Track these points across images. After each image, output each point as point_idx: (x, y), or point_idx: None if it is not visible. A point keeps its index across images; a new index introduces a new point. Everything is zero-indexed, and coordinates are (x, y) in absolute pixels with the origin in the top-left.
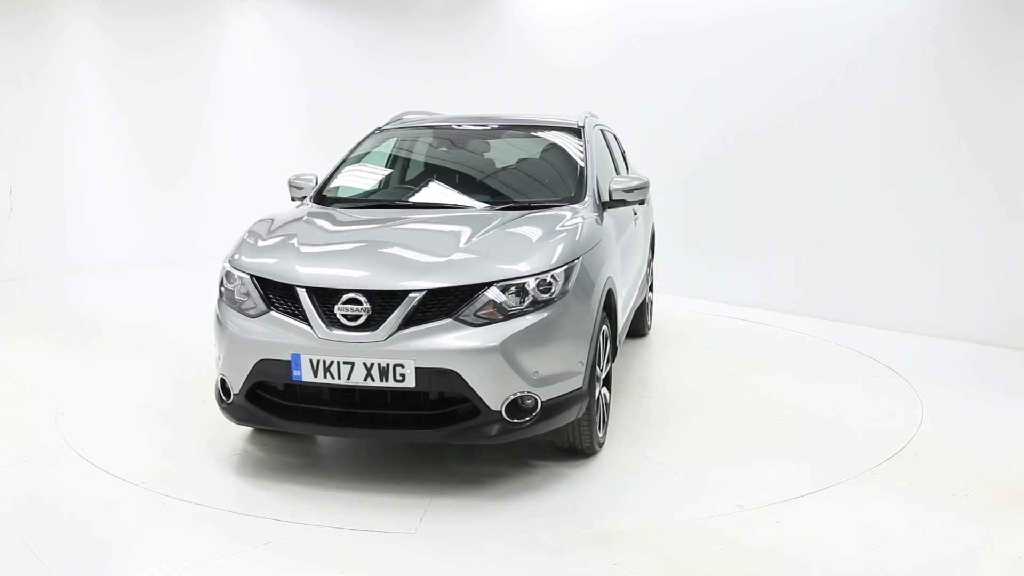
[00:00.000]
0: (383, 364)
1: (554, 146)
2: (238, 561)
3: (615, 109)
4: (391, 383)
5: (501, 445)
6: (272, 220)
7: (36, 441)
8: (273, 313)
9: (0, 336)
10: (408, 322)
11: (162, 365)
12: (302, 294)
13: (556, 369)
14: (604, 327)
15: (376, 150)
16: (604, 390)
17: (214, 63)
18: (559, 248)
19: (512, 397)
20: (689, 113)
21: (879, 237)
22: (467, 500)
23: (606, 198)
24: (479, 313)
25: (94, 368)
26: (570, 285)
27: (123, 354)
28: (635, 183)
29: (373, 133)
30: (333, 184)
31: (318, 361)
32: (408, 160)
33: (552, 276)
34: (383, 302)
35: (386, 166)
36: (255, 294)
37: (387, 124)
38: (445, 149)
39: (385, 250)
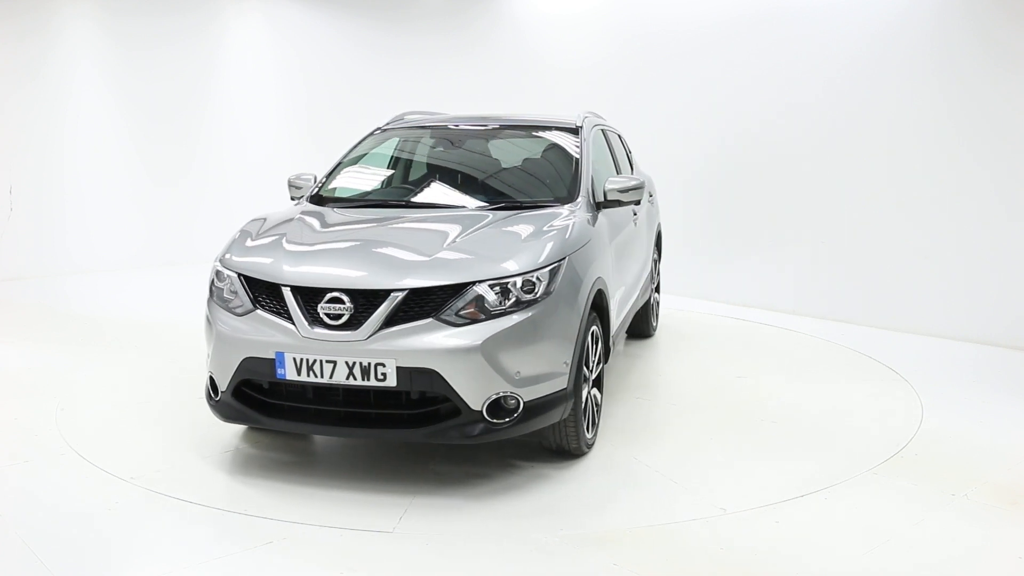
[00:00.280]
0: (365, 363)
1: (550, 146)
2: (237, 561)
3: (615, 109)
4: (373, 382)
5: (488, 445)
6: (265, 220)
7: (36, 441)
8: (259, 311)
9: (0, 336)
10: (390, 321)
11: (162, 365)
12: (286, 293)
13: (539, 369)
14: (594, 327)
15: (373, 150)
16: (595, 391)
17: (214, 63)
18: (544, 248)
19: (493, 397)
20: (689, 113)
21: (879, 237)
22: (448, 499)
23: (602, 198)
24: (461, 313)
25: (94, 368)
26: (555, 285)
27: (123, 354)
28: (630, 183)
29: (372, 133)
30: (329, 184)
31: (301, 360)
32: (404, 160)
33: (536, 276)
34: (365, 301)
35: (382, 166)
36: (242, 293)
37: (387, 124)
38: (442, 149)
39: (370, 250)
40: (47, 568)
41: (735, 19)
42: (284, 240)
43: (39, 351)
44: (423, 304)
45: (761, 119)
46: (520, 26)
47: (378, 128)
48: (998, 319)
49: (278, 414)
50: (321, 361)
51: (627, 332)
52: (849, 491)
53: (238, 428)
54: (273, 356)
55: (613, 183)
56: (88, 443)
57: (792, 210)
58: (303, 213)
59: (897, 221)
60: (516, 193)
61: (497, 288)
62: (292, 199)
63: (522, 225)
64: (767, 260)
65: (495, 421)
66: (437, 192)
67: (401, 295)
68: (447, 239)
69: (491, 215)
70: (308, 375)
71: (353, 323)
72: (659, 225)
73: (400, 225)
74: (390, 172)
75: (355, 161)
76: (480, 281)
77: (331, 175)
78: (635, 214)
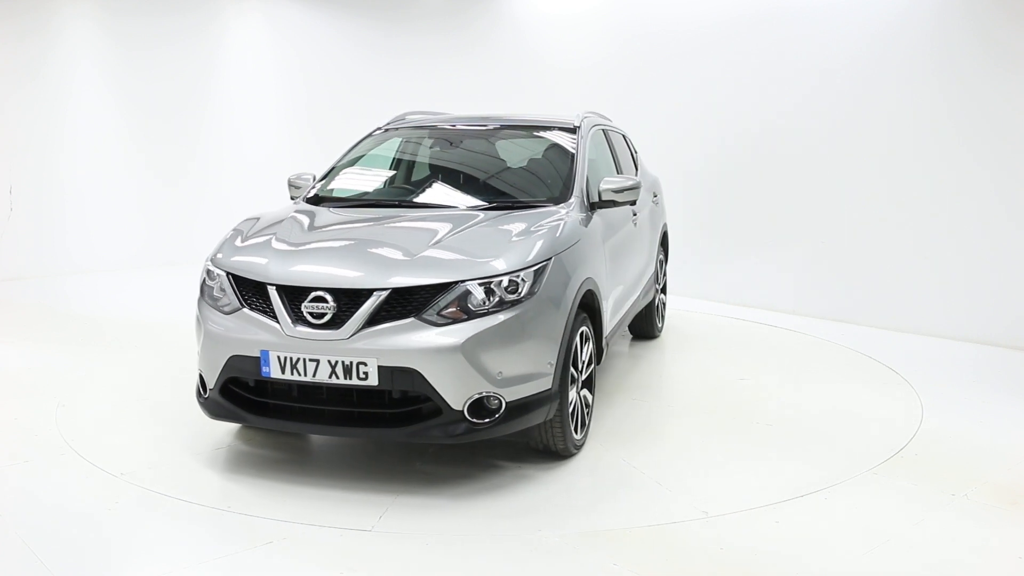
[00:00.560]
0: (347, 362)
1: (547, 146)
2: (237, 561)
3: (615, 109)
4: (355, 381)
5: (476, 444)
6: (258, 219)
7: (36, 441)
8: (245, 310)
9: (0, 336)
10: (373, 321)
11: (161, 364)
12: (272, 292)
13: (522, 370)
14: (584, 328)
15: (370, 151)
16: (585, 392)
17: (214, 63)
18: (529, 249)
19: (475, 397)
20: (689, 113)
21: (879, 237)
22: (430, 499)
23: (597, 198)
24: (443, 312)
25: (94, 368)
26: (540, 286)
27: (123, 354)
28: (625, 184)
29: (370, 134)
30: (325, 184)
31: (285, 358)
32: (400, 161)
33: (520, 277)
34: (349, 301)
35: (378, 167)
36: (230, 291)
37: (388, 124)
38: (438, 150)
39: (355, 249)
40: (47, 568)
41: (735, 19)
42: (273, 240)
43: (39, 351)
44: (406, 304)
45: (761, 119)
46: (520, 26)
47: (377, 128)
48: (998, 319)
49: (264, 412)
50: (304, 360)
51: (632, 333)
52: (849, 491)
53: (233, 426)
54: (258, 354)
55: (608, 183)
56: (88, 443)
57: (792, 210)
58: (295, 213)
59: (897, 221)
60: (510, 193)
61: (480, 288)
62: (292, 199)
63: (510, 225)
64: (767, 260)
65: (477, 421)
66: (431, 192)
67: (383, 294)
68: (432, 239)
69: (482, 215)
70: (292, 373)
71: (336, 322)
72: (664, 226)
73: (389, 225)
74: (386, 172)
75: (351, 161)
76: (462, 281)
77: (327, 175)
78: (635, 214)
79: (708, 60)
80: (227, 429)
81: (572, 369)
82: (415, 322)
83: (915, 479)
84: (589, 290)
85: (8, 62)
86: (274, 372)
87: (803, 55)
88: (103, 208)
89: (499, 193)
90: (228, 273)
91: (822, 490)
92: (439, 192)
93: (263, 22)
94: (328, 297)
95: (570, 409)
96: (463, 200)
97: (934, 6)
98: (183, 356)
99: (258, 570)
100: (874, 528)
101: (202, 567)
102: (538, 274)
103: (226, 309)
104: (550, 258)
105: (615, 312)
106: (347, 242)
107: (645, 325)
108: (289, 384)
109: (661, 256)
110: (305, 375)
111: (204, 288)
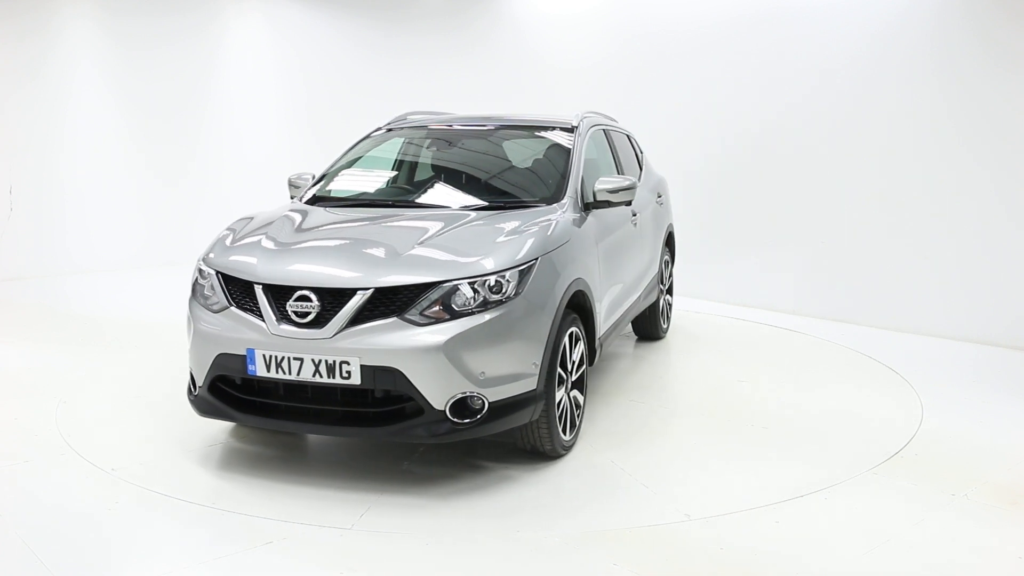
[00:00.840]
0: (330, 361)
1: (543, 146)
2: (237, 561)
3: (615, 109)
4: (338, 380)
5: (464, 445)
6: (252, 219)
7: (36, 441)
8: (232, 309)
9: (0, 336)
10: (356, 320)
11: (161, 364)
12: (258, 290)
13: (506, 370)
14: (574, 329)
15: (368, 151)
16: (576, 393)
17: (214, 63)
18: (514, 249)
19: (458, 396)
20: (689, 113)
21: (879, 237)
22: (412, 498)
23: (592, 199)
24: (425, 312)
25: (94, 367)
26: (524, 286)
27: (123, 354)
28: (620, 184)
29: (368, 135)
30: (321, 184)
31: (270, 356)
32: (398, 161)
33: (504, 277)
34: (333, 300)
35: (375, 167)
36: (219, 290)
37: (389, 123)
38: (435, 150)
39: (341, 249)
40: (47, 568)
41: (735, 19)
42: (263, 239)
43: (39, 351)
44: (389, 303)
45: (761, 119)
46: (520, 26)
47: (377, 129)
48: (998, 319)
49: (250, 410)
50: (289, 358)
51: (636, 334)
52: (849, 491)
53: (230, 424)
54: (244, 352)
55: (603, 183)
56: (88, 443)
57: (792, 210)
58: (288, 213)
59: (897, 221)
60: (504, 193)
61: (463, 288)
62: (292, 199)
63: (499, 225)
64: (767, 260)
65: (459, 421)
66: (426, 192)
67: (367, 294)
68: (419, 239)
69: (474, 215)
70: (277, 372)
71: (320, 321)
72: (670, 226)
73: (378, 225)
74: (381, 172)
75: (348, 162)
76: (446, 281)
77: (324, 175)
78: (634, 215)
79: (708, 60)
80: (226, 427)
81: (560, 370)
82: (398, 321)
83: (915, 479)
84: (579, 291)
85: (8, 62)
86: (260, 370)
87: (803, 55)
88: (103, 208)
89: (493, 193)
90: (218, 272)
91: (822, 490)
92: (433, 192)
93: (263, 22)
94: (312, 296)
95: (558, 410)
96: (457, 200)
97: (934, 6)
98: (183, 356)
99: (258, 570)
100: (874, 528)
101: (202, 567)
102: (523, 274)
103: (215, 308)
104: (536, 258)
105: (611, 313)
106: (335, 242)
107: (649, 326)
108: (275, 382)
109: (666, 257)
110: (289, 373)
111: (195, 287)
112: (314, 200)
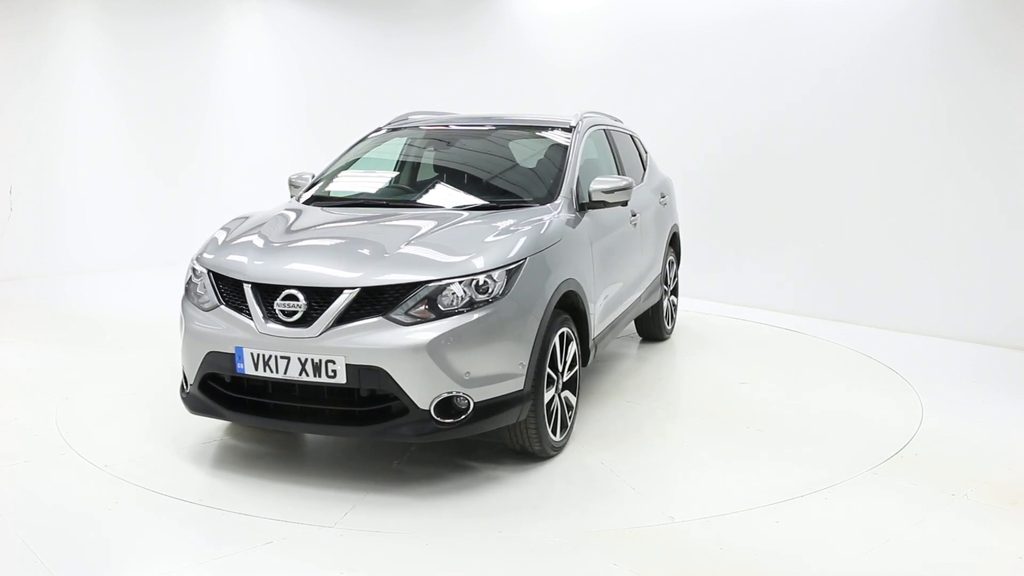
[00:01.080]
0: (316, 360)
1: (540, 146)
2: (237, 561)
3: (614, 109)
4: (324, 379)
5: (453, 445)
6: (246, 218)
7: (36, 441)
8: (222, 307)
9: (0, 336)
10: (342, 319)
11: (161, 364)
12: (247, 289)
13: (491, 370)
14: (565, 329)
15: (366, 151)
16: (567, 394)
17: (214, 63)
18: (501, 249)
19: (443, 396)
20: (689, 113)
21: (879, 237)
22: (396, 496)
23: (587, 199)
24: (411, 312)
25: (94, 368)
26: (512, 286)
27: (123, 354)
28: (615, 184)
29: (368, 136)
30: (317, 184)
31: (258, 355)
32: (395, 162)
33: (491, 277)
34: (320, 299)
35: (372, 167)
36: (210, 289)
37: (390, 123)
38: (432, 150)
39: (329, 249)
40: (47, 568)
41: (735, 19)
42: (255, 238)
43: (39, 351)
44: (375, 303)
45: (761, 119)
46: (520, 26)
47: (377, 129)
48: (998, 319)
49: (240, 408)
50: (276, 357)
51: (640, 335)
52: (849, 491)
53: (233, 425)
54: (233, 351)
55: (598, 183)
56: (88, 442)
57: (792, 210)
58: (282, 212)
59: (897, 221)
60: (498, 193)
61: (449, 288)
62: (291, 199)
63: (489, 225)
64: (767, 260)
65: (444, 420)
66: (420, 192)
67: (353, 293)
68: (407, 239)
69: (466, 215)
70: (264, 370)
71: (306, 320)
72: (675, 227)
73: (368, 225)
74: (378, 173)
75: (345, 162)
76: (432, 281)
77: (321, 176)
78: (634, 215)
79: (708, 60)
80: (225, 425)
81: (551, 370)
82: (383, 321)
83: (915, 479)
84: (571, 291)
85: (8, 62)
86: (248, 368)
87: (803, 55)
88: (103, 208)
89: (488, 193)
90: (209, 271)
91: (822, 490)
92: (428, 192)
93: (263, 22)
94: (299, 295)
95: (548, 411)
96: (452, 200)
97: (934, 6)
98: None
99: (258, 570)
100: (874, 528)
101: (202, 567)
102: (510, 275)
103: (206, 306)
104: (525, 258)
105: (607, 314)
106: (324, 241)
107: (653, 327)
108: (264, 381)
109: (671, 257)
110: (276, 372)
111: (188, 286)
112: (311, 200)
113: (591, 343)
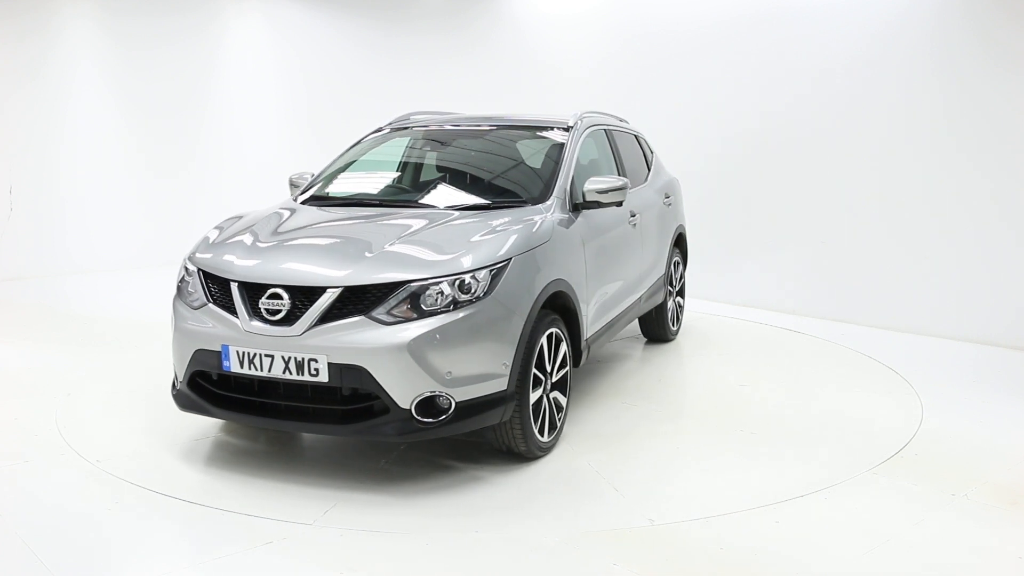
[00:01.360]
0: (299, 358)
1: (536, 146)
2: (237, 561)
3: (614, 110)
4: (306, 377)
5: (442, 445)
6: (239, 218)
7: (36, 441)
8: (210, 305)
9: (0, 336)
10: (325, 318)
11: (161, 364)
12: (234, 288)
13: (474, 370)
14: (554, 330)
15: (365, 152)
16: (557, 394)
17: (214, 63)
18: (486, 249)
19: (425, 395)
20: (689, 113)
21: (879, 237)
22: (377, 496)
23: (581, 199)
24: (393, 311)
25: (94, 368)
26: (495, 286)
27: (123, 354)
28: (609, 185)
29: (367, 136)
30: (314, 184)
31: (243, 353)
32: (393, 162)
33: (473, 276)
34: (304, 298)
35: (370, 168)
36: (200, 287)
37: (391, 123)
38: (429, 150)
39: (316, 248)
40: (47, 568)
41: (735, 19)
42: (245, 237)
43: (39, 351)
44: (358, 302)
45: (761, 119)
46: (520, 26)
47: (378, 129)
48: (998, 319)
49: (226, 405)
50: (260, 355)
51: (645, 336)
52: (849, 491)
53: (235, 426)
54: (219, 349)
55: (592, 184)
56: (88, 443)
57: (792, 210)
58: (275, 212)
59: (898, 221)
60: (491, 193)
61: (432, 288)
62: (290, 198)
63: (476, 225)
64: (767, 260)
65: (424, 420)
66: (414, 192)
67: (336, 292)
68: (392, 239)
69: (457, 214)
70: (249, 368)
71: (290, 319)
72: (680, 227)
73: (357, 224)
74: (374, 173)
75: (343, 162)
76: (414, 280)
77: (319, 176)
78: (633, 215)
79: (708, 61)
80: (223, 424)
81: (538, 371)
82: (365, 320)
83: (915, 479)
84: (560, 291)
85: (8, 62)
86: (234, 366)
87: (803, 55)
88: (103, 208)
89: (481, 193)
90: (199, 269)
91: (822, 490)
92: (422, 192)
93: (263, 22)
94: (284, 294)
95: (536, 411)
96: (445, 200)
97: (934, 6)
98: None
99: (258, 570)
100: (874, 528)
101: (202, 567)
102: (495, 275)
103: (195, 304)
104: (510, 259)
105: (601, 315)
106: (312, 241)
107: (657, 328)
108: (251, 379)
109: (676, 258)
110: (261, 370)
111: (180, 284)
112: (308, 200)
113: (583, 344)
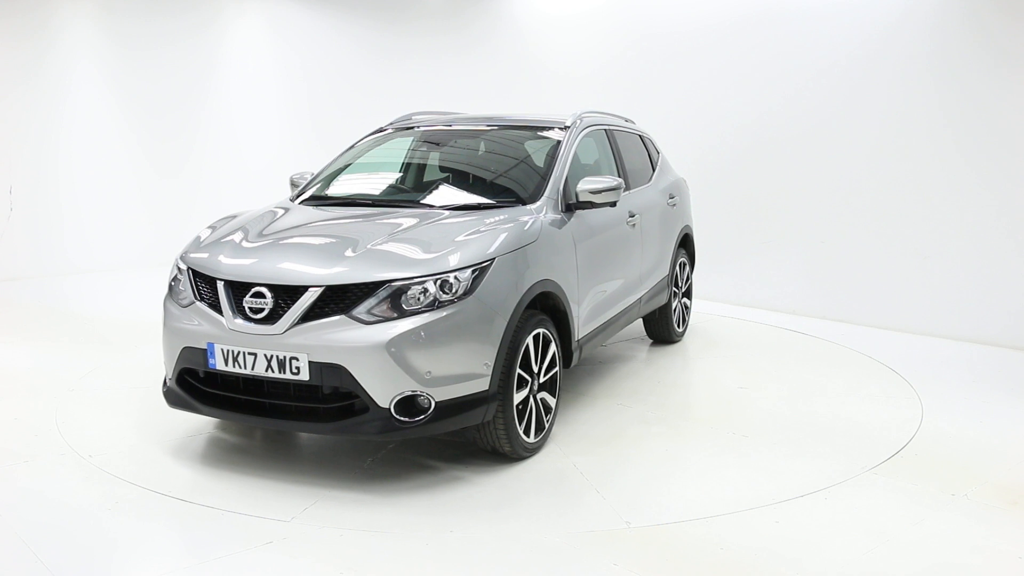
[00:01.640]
0: (280, 356)
1: (532, 146)
2: (237, 561)
3: (614, 110)
4: (288, 375)
5: (433, 443)
6: (233, 217)
7: (36, 440)
8: (198, 304)
9: (0, 336)
10: (307, 316)
11: (160, 364)
12: (220, 286)
13: (454, 370)
14: (542, 330)
15: (362, 152)
16: (544, 395)
17: (214, 63)
18: (470, 248)
19: (405, 394)
20: (689, 113)
21: (879, 237)
22: (356, 494)
23: (575, 199)
24: (373, 311)
25: (93, 368)
26: (477, 286)
27: (122, 353)
28: (603, 185)
29: (367, 136)
30: (311, 184)
31: (228, 351)
32: (391, 162)
33: (455, 276)
34: (286, 296)
35: (367, 168)
36: (189, 286)
37: (392, 123)
38: (424, 151)
39: (301, 247)
40: (47, 567)
41: (735, 19)
42: (235, 236)
43: (39, 351)
44: (340, 301)
45: (761, 119)
46: (520, 26)
47: (380, 129)
48: (998, 319)
49: (214, 403)
50: (244, 353)
51: (650, 337)
52: (849, 491)
53: (232, 426)
54: (205, 346)
55: (585, 184)
56: (88, 443)
57: (792, 210)
58: (268, 211)
59: (898, 221)
60: (483, 192)
61: (413, 287)
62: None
63: (462, 224)
64: (767, 260)
65: (403, 419)
66: (407, 192)
67: (318, 291)
68: (376, 238)
69: (447, 214)
70: (233, 366)
71: (272, 317)
72: (686, 228)
73: (345, 224)
74: (371, 173)
75: (341, 162)
76: (396, 280)
77: (316, 176)
78: (632, 215)
79: (708, 61)
80: (221, 423)
81: (523, 371)
82: (346, 319)
83: (915, 479)
84: (547, 292)
85: (8, 62)
86: (219, 364)
87: (803, 55)
88: (103, 208)
89: (474, 193)
90: (189, 268)
91: (822, 490)
92: (415, 192)
93: (263, 22)
94: (267, 293)
95: (521, 412)
96: (438, 200)
97: (933, 6)
98: None
99: (258, 570)
100: (874, 528)
101: (203, 567)
102: (476, 274)
103: (184, 303)
104: (493, 259)
105: (595, 316)
106: (299, 240)
107: (660, 329)
108: (236, 376)
109: (682, 259)
110: (244, 368)
111: (172, 283)
112: (305, 200)
113: (575, 345)
